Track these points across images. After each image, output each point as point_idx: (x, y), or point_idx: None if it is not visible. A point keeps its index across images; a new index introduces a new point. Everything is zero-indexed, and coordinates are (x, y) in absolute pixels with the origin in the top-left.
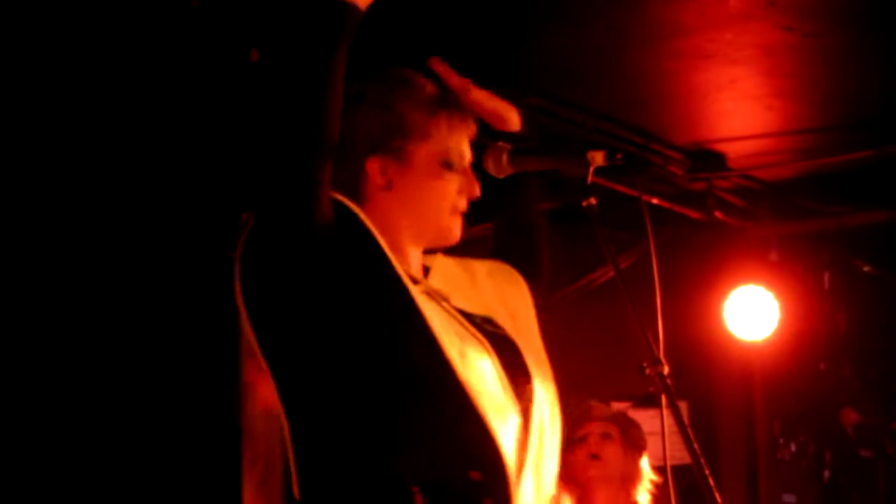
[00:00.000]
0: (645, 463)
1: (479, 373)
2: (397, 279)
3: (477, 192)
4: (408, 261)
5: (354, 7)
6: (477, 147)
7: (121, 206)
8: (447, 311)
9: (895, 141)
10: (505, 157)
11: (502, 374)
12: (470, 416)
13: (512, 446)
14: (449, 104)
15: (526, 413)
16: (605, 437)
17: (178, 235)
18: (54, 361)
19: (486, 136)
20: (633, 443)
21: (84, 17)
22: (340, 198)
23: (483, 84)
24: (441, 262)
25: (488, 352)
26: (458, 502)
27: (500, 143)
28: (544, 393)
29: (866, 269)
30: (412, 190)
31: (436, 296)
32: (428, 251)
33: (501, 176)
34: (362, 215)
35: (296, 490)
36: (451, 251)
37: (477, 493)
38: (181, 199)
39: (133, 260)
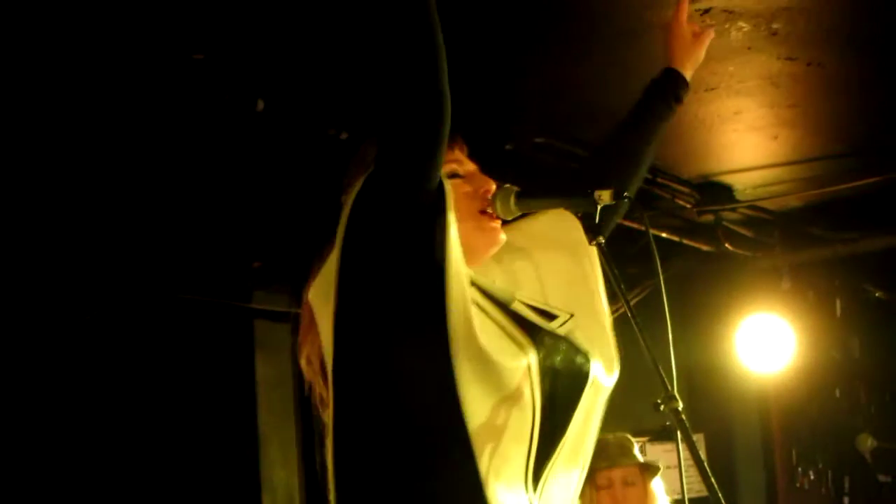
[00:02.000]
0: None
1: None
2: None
3: (491, 185)
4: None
5: None
6: None
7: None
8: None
9: None
10: (512, 199)
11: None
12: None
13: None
14: None
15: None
16: (628, 484)
17: (189, 281)
18: (66, 383)
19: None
20: (653, 481)
21: (84, 69)
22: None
23: (487, 124)
24: (498, 263)
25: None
26: None
27: (507, 186)
28: (599, 388)
29: (878, 294)
30: None
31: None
32: None
33: (509, 218)
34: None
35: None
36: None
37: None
38: (190, 244)
39: (148, 291)
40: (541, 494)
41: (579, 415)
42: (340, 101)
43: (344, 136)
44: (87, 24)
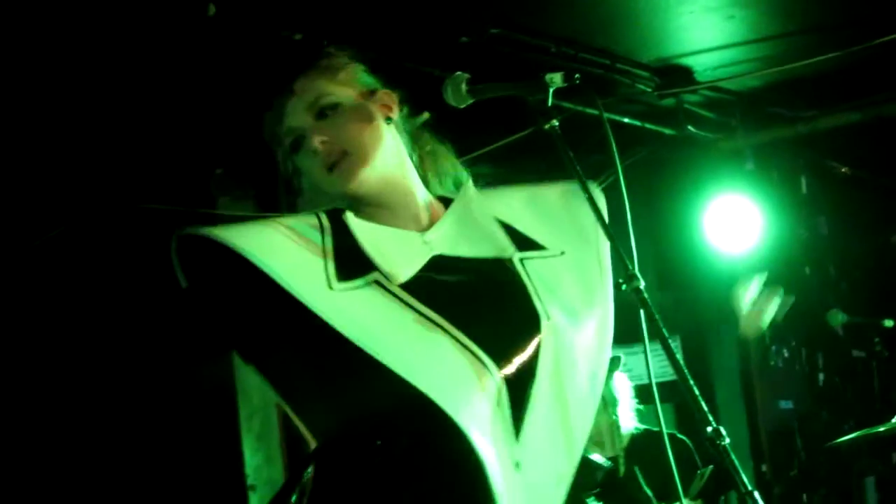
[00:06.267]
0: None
1: (427, 355)
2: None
3: (315, 143)
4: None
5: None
6: (437, 80)
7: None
8: (398, 297)
9: (860, 41)
10: (464, 87)
11: (468, 344)
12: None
13: (486, 410)
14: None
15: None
16: None
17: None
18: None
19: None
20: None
21: None
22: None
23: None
24: (459, 210)
25: (443, 329)
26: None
27: (459, 73)
28: (564, 332)
29: (843, 170)
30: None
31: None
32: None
33: (462, 106)
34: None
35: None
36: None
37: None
38: (149, 155)
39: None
40: (524, 444)
41: (544, 361)
42: (292, 2)
43: (298, 36)
44: None
